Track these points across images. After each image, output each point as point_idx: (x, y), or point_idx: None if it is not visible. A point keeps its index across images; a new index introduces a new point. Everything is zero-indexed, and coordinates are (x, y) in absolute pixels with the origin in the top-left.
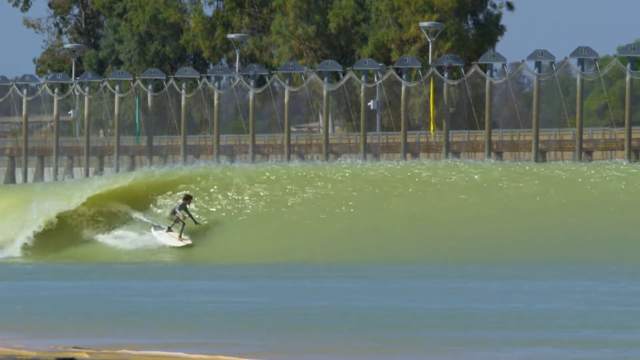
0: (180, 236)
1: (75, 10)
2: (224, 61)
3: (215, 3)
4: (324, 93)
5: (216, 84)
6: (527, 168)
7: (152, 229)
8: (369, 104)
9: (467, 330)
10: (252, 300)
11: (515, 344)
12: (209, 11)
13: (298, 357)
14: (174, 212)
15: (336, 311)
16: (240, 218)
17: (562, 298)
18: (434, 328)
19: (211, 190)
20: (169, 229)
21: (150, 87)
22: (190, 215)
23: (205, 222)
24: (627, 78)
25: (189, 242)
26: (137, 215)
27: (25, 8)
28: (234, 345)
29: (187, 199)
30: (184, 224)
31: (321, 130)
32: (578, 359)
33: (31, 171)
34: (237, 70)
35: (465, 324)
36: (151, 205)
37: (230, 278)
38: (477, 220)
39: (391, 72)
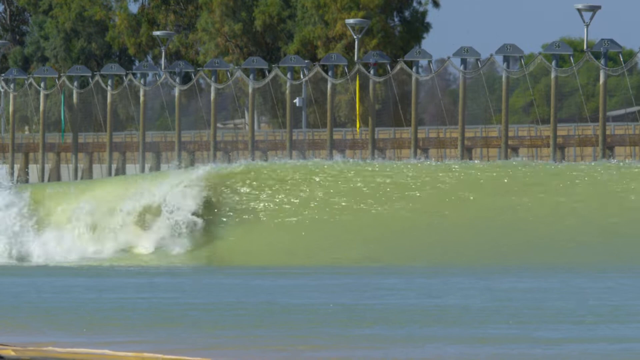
0: None
1: (0, 7)
2: (149, 58)
3: (141, 0)
4: (250, 90)
5: (142, 81)
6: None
7: None
8: (294, 101)
9: (373, 327)
10: (178, 296)
11: (420, 340)
12: (134, 8)
13: (226, 353)
14: None
15: (266, 307)
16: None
17: (469, 294)
18: (333, 324)
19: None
20: None
21: (75, 83)
22: None
23: None
24: (552, 75)
25: None
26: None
27: None
28: (160, 342)
29: None
30: None
31: (247, 127)
32: (481, 354)
33: None
34: (162, 67)
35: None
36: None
37: (163, 275)
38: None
39: (317, 69)
